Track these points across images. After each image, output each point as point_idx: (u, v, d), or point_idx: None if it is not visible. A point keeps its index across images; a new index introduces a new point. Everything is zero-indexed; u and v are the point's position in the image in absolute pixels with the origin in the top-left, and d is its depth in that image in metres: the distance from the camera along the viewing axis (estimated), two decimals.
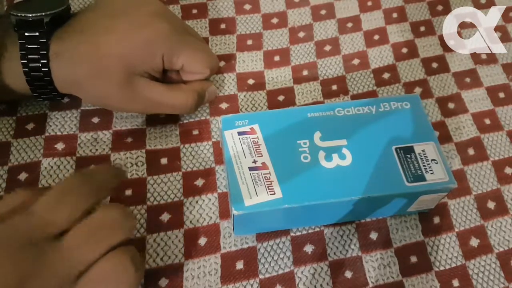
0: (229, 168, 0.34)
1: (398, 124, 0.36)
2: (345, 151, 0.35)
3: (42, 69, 0.35)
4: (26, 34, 0.34)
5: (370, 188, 0.33)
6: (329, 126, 0.36)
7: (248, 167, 0.34)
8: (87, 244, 0.27)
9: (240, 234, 0.37)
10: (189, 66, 0.38)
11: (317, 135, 0.35)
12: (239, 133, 0.35)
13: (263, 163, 0.34)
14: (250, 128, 0.36)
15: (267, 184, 0.33)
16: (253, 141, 0.35)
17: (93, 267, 0.27)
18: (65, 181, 0.29)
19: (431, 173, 0.34)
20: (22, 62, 0.34)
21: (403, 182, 0.34)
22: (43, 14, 0.35)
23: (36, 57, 0.34)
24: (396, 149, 0.35)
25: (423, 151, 0.35)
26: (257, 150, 0.34)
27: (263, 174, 0.33)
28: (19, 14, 0.35)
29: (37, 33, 0.34)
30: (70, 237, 0.27)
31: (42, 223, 0.27)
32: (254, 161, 0.34)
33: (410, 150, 0.35)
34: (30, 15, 0.35)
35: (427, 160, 0.35)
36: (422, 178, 0.34)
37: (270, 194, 0.33)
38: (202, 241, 0.37)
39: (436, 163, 0.35)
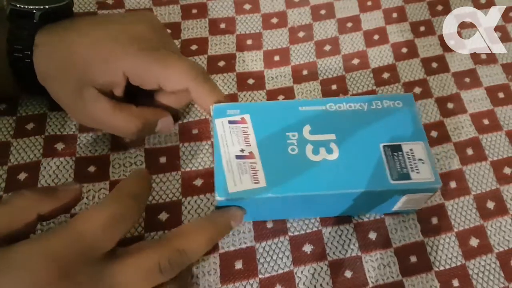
0: (216, 156, 0.34)
1: (388, 122, 0.36)
2: (332, 145, 0.35)
3: (25, 60, 0.35)
4: (16, 25, 0.35)
5: (354, 183, 0.33)
6: (320, 121, 0.36)
7: (235, 155, 0.34)
8: (139, 282, 0.28)
9: None
10: (165, 82, 0.36)
11: (306, 128, 0.35)
12: (230, 122, 0.35)
13: (251, 153, 0.34)
14: (241, 118, 0.36)
15: (252, 173, 0.33)
16: (243, 130, 0.35)
17: None
18: (112, 204, 0.29)
19: (417, 173, 0.34)
20: (8, 52, 0.35)
21: (388, 180, 0.34)
22: (37, 7, 0.35)
23: (20, 47, 0.34)
24: (384, 146, 0.35)
25: (411, 150, 0.35)
26: (246, 140, 0.35)
27: (250, 163, 0.34)
28: (12, 4, 0.35)
29: (26, 25, 0.35)
30: (123, 270, 0.28)
31: (92, 246, 0.27)
32: (242, 150, 0.34)
33: (398, 148, 0.35)
34: (21, 6, 0.35)
35: (414, 159, 0.35)
36: (407, 177, 0.34)
37: (254, 183, 0.33)
38: None
39: (423, 163, 0.34)
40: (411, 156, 0.35)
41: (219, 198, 0.32)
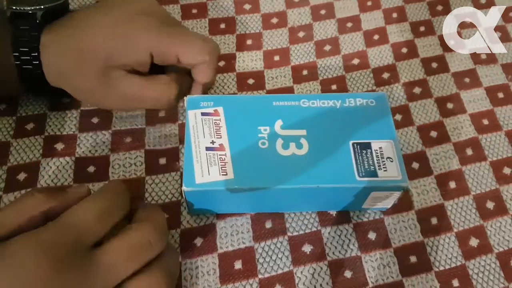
0: (187, 146, 0.34)
1: (360, 120, 0.36)
2: (303, 141, 0.35)
3: (33, 62, 0.35)
4: (20, 27, 0.35)
5: (320, 178, 0.34)
6: (292, 116, 0.36)
7: (206, 147, 0.34)
8: (125, 262, 0.28)
9: (194, 212, 0.38)
10: (184, 56, 0.37)
11: (278, 123, 0.36)
12: (203, 114, 0.36)
13: (221, 145, 0.34)
14: (214, 110, 0.36)
15: (221, 165, 0.34)
16: (214, 122, 0.35)
17: (128, 284, 0.28)
18: (101, 197, 0.30)
19: (384, 171, 0.34)
20: (13, 55, 0.35)
21: (354, 176, 0.34)
22: (37, 7, 0.35)
23: (27, 49, 0.35)
24: (353, 144, 0.35)
25: (380, 148, 0.35)
26: (217, 132, 0.35)
27: (219, 155, 0.34)
28: (13, 7, 0.35)
29: (29, 26, 0.35)
30: (108, 252, 0.28)
31: (83, 235, 0.28)
32: (212, 142, 0.35)
33: (367, 146, 0.35)
34: (22, 8, 0.35)
35: (382, 158, 0.35)
36: (374, 174, 0.34)
37: (222, 175, 0.33)
38: (198, 241, 0.37)
39: (392, 161, 0.35)
40: (380, 154, 0.35)
41: (186, 188, 0.33)
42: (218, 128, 0.35)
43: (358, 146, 0.35)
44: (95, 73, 0.35)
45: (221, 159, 0.34)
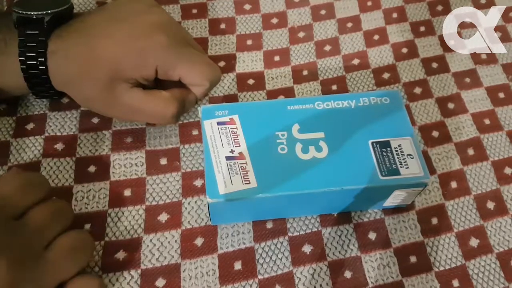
0: (206, 157, 0.34)
1: (376, 119, 0.37)
2: (322, 143, 0.35)
3: (39, 67, 0.35)
4: (27, 32, 0.35)
5: (344, 180, 0.34)
6: (308, 119, 0.36)
7: (225, 157, 0.34)
8: (50, 222, 0.32)
9: (218, 223, 0.37)
10: (186, 78, 0.37)
11: (295, 127, 0.36)
12: (219, 123, 0.36)
13: (240, 153, 0.34)
14: (229, 119, 0.36)
15: (242, 174, 0.33)
16: (231, 131, 0.35)
17: (58, 240, 0.31)
18: (23, 173, 0.34)
19: (406, 168, 0.34)
20: (20, 59, 0.35)
21: (377, 176, 0.34)
22: (44, 12, 0.35)
23: (34, 54, 0.35)
24: (372, 143, 0.35)
25: (399, 145, 0.35)
26: (235, 140, 0.35)
27: (240, 163, 0.34)
28: (20, 11, 0.35)
29: (37, 31, 0.35)
30: (34, 217, 0.31)
31: (5, 206, 0.30)
32: (232, 151, 0.34)
33: (386, 144, 0.35)
34: (30, 13, 0.35)
35: (402, 155, 0.35)
36: (397, 172, 0.34)
37: (245, 184, 0.33)
38: (199, 241, 0.37)
39: (412, 158, 0.35)
40: (400, 152, 0.35)
41: (210, 200, 0.33)
42: (235, 136, 0.35)
43: (378, 145, 0.35)
44: (101, 83, 0.35)
45: (242, 167, 0.34)
